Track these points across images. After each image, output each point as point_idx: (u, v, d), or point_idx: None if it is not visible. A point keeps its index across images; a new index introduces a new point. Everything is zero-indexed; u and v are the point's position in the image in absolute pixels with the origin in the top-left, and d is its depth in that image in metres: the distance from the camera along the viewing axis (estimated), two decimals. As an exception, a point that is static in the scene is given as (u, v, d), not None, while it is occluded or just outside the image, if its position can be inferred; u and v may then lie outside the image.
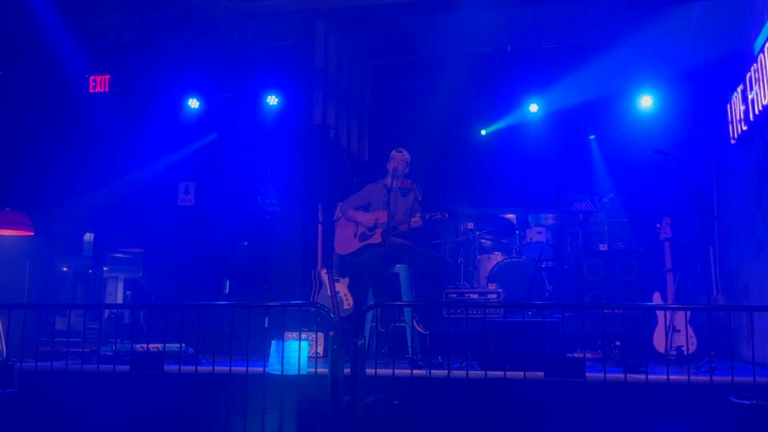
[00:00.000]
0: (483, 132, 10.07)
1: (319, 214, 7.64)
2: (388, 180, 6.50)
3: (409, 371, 5.33)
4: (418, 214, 6.34)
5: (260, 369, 5.24)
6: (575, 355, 5.90)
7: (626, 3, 7.42)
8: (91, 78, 8.71)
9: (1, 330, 6.43)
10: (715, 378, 4.97)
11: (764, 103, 5.69)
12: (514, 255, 8.40)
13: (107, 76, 8.72)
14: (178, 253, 8.86)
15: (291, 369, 5.33)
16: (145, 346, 6.09)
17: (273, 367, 5.37)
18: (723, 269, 7.76)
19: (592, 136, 9.48)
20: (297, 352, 5.37)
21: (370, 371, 5.01)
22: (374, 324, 6.24)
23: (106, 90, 8.72)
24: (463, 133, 10.16)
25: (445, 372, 5.19)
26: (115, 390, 5.42)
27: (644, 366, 5.08)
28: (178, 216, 8.95)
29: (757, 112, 5.89)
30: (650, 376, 4.99)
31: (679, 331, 6.18)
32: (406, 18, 9.01)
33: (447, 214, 6.30)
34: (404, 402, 5.14)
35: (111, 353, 5.96)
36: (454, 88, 9.75)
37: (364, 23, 9.03)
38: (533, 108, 9.41)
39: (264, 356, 5.36)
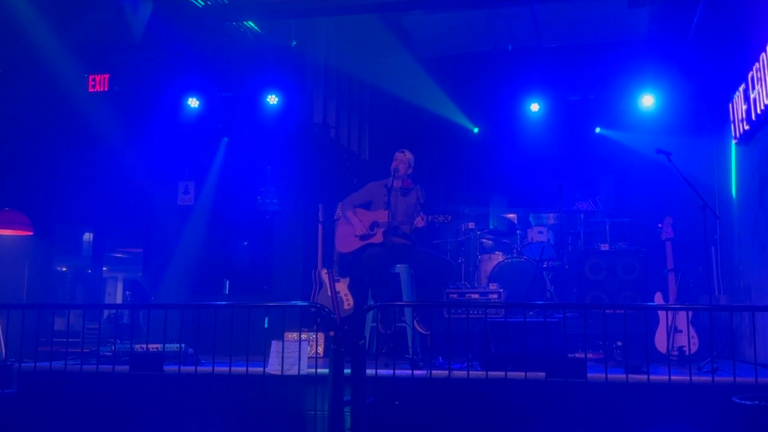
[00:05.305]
0: (475, 130, 10.06)
1: (319, 213, 7.62)
2: (390, 179, 6.49)
3: (409, 372, 5.32)
4: (422, 215, 6.33)
5: (260, 369, 5.21)
6: (576, 355, 5.87)
7: (627, 2, 7.41)
8: (91, 77, 8.69)
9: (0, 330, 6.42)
10: (717, 378, 4.95)
11: (767, 102, 5.66)
12: (515, 255, 8.37)
13: (107, 76, 8.69)
14: (178, 253, 8.84)
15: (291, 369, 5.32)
16: (144, 346, 6.07)
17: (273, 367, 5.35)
18: (725, 269, 7.74)
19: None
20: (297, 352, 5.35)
21: (370, 372, 4.98)
22: (375, 324, 6.22)
23: (106, 89, 8.70)
24: (464, 133, 10.14)
25: (446, 372, 5.16)
26: (115, 390, 5.39)
27: (646, 366, 5.05)
28: (178, 216, 8.93)
29: (759, 111, 5.86)
30: (652, 377, 4.97)
31: (680, 331, 6.15)
32: (406, 17, 8.99)
33: (450, 217, 6.30)
34: (405, 402, 5.12)
35: (110, 353, 5.94)
36: (454, 87, 9.74)
37: (364, 23, 9.01)
38: (534, 107, 9.38)
39: (264, 356, 5.34)
